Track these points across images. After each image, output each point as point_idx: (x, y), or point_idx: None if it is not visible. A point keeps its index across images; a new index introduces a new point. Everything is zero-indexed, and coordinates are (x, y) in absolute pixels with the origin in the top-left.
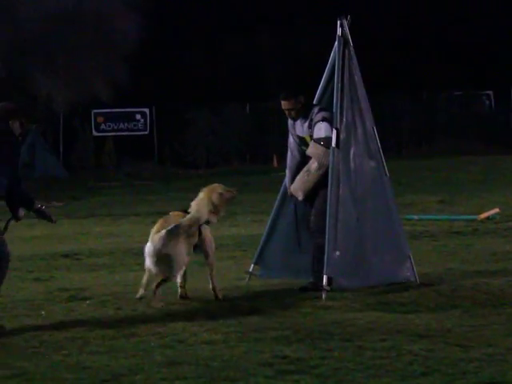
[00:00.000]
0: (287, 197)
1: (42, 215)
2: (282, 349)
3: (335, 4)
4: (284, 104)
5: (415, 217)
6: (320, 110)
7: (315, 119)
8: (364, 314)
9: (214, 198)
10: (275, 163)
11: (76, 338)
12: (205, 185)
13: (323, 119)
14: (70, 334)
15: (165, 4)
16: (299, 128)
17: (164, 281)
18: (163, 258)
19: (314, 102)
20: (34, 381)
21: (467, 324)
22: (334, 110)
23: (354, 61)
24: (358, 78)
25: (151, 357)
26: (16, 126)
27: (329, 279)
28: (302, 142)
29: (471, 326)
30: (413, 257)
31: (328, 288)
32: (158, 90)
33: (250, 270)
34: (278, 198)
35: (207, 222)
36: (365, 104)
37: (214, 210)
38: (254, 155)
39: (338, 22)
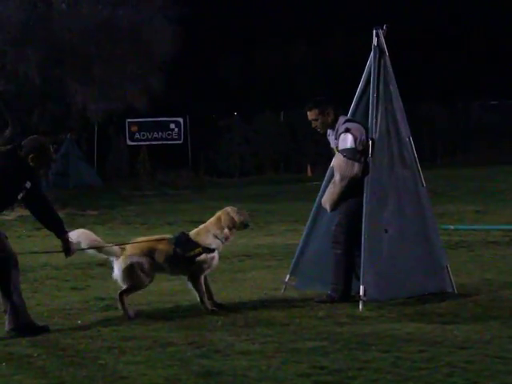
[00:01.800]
0: (322, 207)
1: (65, 246)
2: (319, 359)
3: (370, 14)
4: (308, 115)
5: (451, 227)
6: (345, 121)
7: (340, 130)
8: (401, 325)
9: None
10: (309, 172)
11: (112, 348)
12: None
13: (346, 130)
14: (106, 343)
15: (199, 15)
16: (331, 139)
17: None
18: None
19: (349, 112)
20: None
21: (506, 335)
22: (370, 121)
23: (390, 71)
24: (393, 88)
25: (188, 367)
26: (36, 161)
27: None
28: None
29: (510, 337)
30: (450, 267)
31: (364, 298)
32: (191, 99)
33: (286, 280)
34: (313, 208)
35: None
36: (400, 114)
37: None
38: (288, 164)
39: (374, 32)
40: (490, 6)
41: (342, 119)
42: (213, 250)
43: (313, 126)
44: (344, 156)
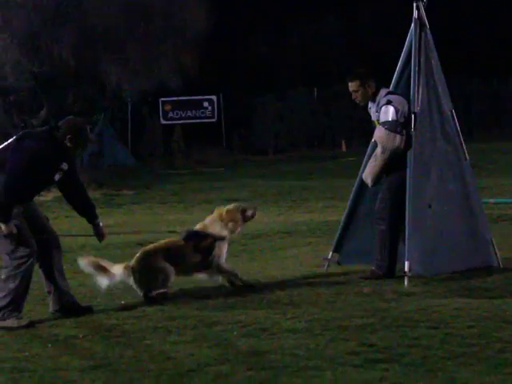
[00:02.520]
0: (364, 183)
1: (98, 232)
2: (368, 337)
3: None
4: (349, 86)
5: (491, 200)
6: (387, 94)
7: (381, 103)
8: (448, 301)
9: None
10: (343, 148)
11: (157, 328)
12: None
13: (388, 102)
14: (151, 323)
15: None
16: (372, 112)
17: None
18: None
19: (391, 86)
20: (119, 371)
21: None
22: (411, 94)
23: (431, 44)
24: (434, 61)
25: (235, 346)
26: (74, 141)
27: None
28: (375, 127)
29: None
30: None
31: (409, 274)
32: (225, 77)
33: (329, 257)
34: (356, 183)
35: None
36: (442, 87)
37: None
38: (322, 140)
39: (414, 5)
40: None
41: (383, 92)
42: (223, 238)
43: (353, 97)
44: (386, 128)
